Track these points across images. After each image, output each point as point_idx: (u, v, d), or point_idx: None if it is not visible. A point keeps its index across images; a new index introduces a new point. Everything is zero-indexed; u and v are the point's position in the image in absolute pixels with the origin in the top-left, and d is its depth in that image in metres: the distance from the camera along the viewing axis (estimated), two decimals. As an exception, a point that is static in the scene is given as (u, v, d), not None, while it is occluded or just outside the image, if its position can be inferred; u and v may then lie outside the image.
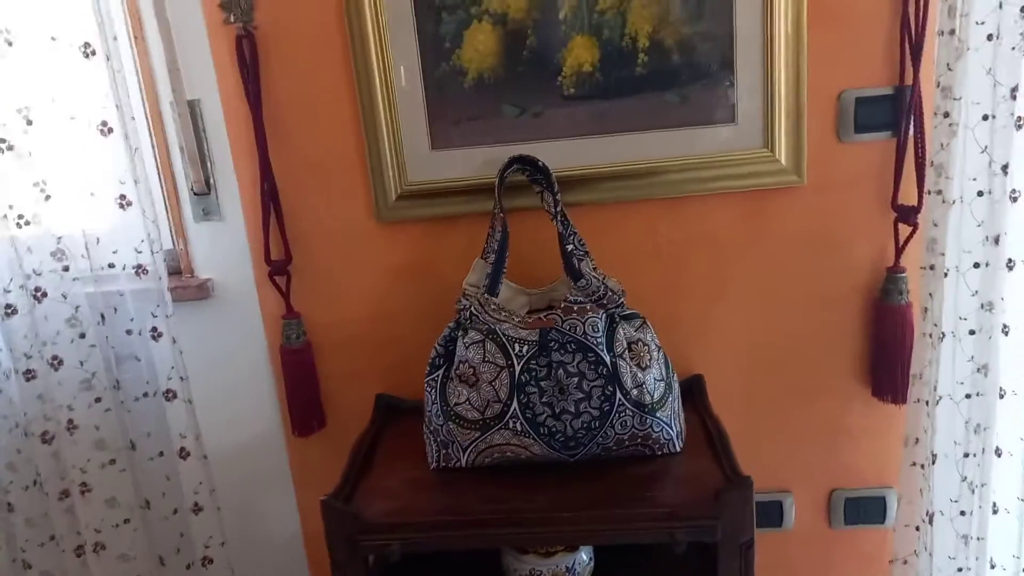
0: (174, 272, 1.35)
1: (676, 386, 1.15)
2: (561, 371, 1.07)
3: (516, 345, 1.08)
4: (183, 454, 1.25)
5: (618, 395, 1.07)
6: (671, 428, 1.11)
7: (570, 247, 1.11)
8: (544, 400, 1.08)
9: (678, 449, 1.13)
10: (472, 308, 1.12)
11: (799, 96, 1.19)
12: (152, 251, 1.19)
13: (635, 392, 1.08)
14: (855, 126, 1.21)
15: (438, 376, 1.14)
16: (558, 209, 1.14)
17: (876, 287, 1.29)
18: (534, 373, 1.08)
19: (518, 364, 1.08)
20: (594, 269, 1.19)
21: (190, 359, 1.31)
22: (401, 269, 1.32)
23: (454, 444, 1.12)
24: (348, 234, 1.30)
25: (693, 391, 1.31)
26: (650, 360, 1.11)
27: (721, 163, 1.23)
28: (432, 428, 1.14)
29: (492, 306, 1.11)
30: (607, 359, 1.07)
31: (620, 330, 1.10)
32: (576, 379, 1.07)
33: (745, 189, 1.24)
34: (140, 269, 1.19)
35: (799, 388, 1.35)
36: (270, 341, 1.36)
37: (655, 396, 1.09)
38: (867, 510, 1.39)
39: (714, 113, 1.22)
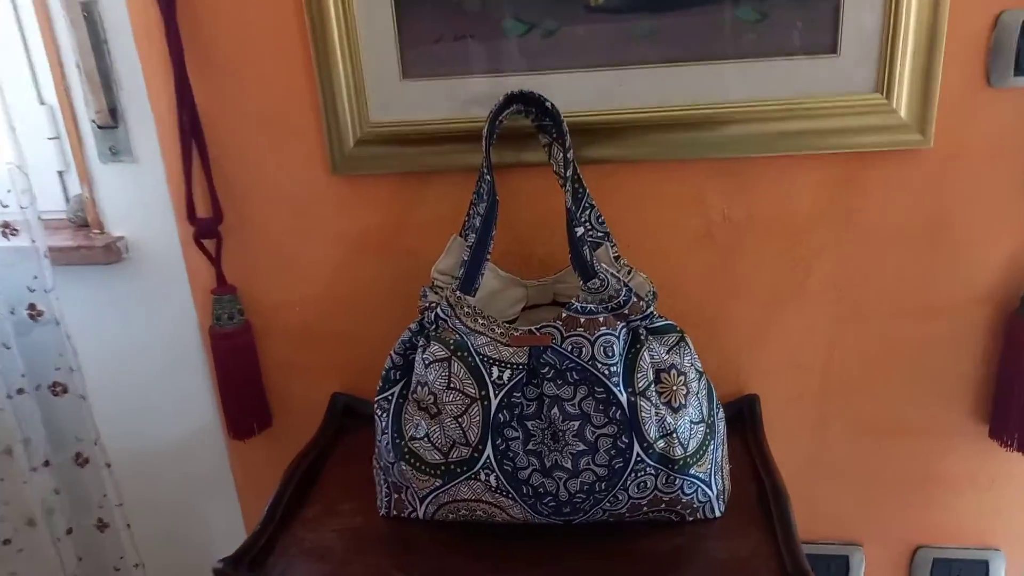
0: (82, 226, 1.06)
1: (721, 427, 0.83)
2: (556, 410, 0.76)
3: (494, 369, 0.77)
4: (80, 461, 0.99)
5: (636, 448, 0.75)
6: (710, 487, 0.80)
7: (581, 229, 0.77)
8: (530, 448, 0.77)
9: (718, 513, 0.82)
10: (440, 309, 0.80)
11: (936, 17, 0.81)
12: (21, 203, 0.89)
13: (661, 444, 0.76)
14: (1016, 64, 0.82)
15: (392, 395, 0.83)
16: (569, 172, 0.80)
17: (1012, 298, 0.92)
18: (518, 410, 0.77)
19: (495, 396, 0.76)
20: (615, 258, 0.85)
21: (96, 340, 1.04)
22: (363, 237, 1.00)
23: (409, 490, 0.82)
24: (296, 188, 0.98)
25: (743, 416, 0.99)
26: (686, 396, 0.78)
27: (810, 112, 0.86)
28: (382, 464, 0.84)
29: (465, 309, 0.79)
30: (623, 398, 0.75)
31: (645, 353, 0.77)
32: (577, 423, 0.75)
33: (842, 151, 0.88)
34: (7, 228, 0.90)
35: (887, 419, 1.01)
36: (202, 320, 1.06)
37: (689, 447, 0.77)
38: (963, 575, 1.07)
39: (806, 39, 0.84)
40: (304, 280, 1.03)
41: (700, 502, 0.80)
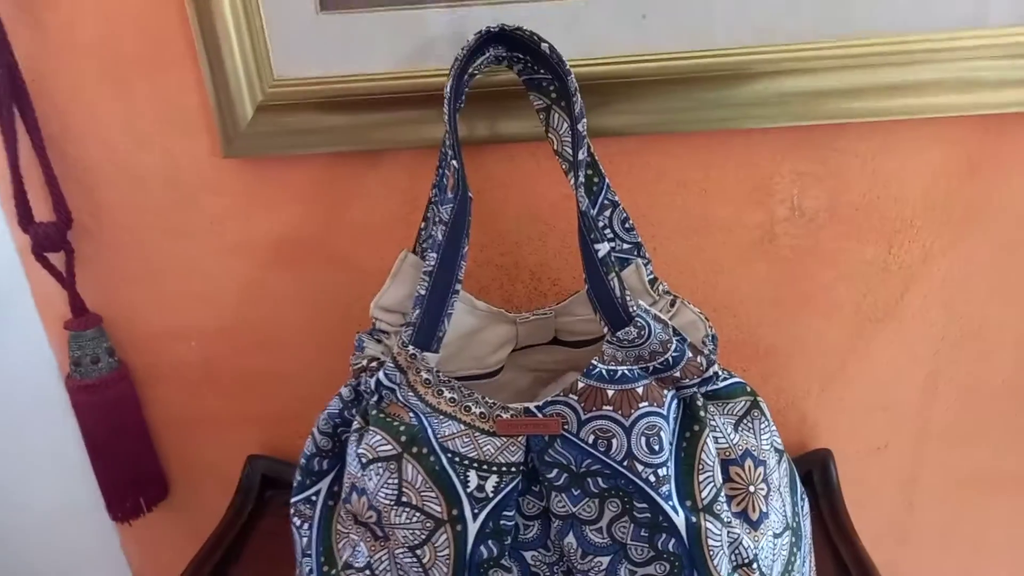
0: None
1: (807, 527, 0.56)
2: (572, 538, 0.48)
3: (471, 474, 0.48)
4: None
5: (699, 592, 0.47)
6: (794, 620, 0.53)
7: (605, 247, 0.48)
8: (532, 594, 0.49)
9: (802, 651, 0.55)
10: (384, 373, 0.51)
11: None
12: None
13: (735, 580, 0.48)
14: None
15: (317, 496, 0.55)
16: (581, 155, 0.51)
17: None
18: (509, 539, 0.48)
19: (473, 517, 0.48)
20: (650, 284, 0.56)
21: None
22: (276, 244, 0.70)
23: (348, 636, 0.54)
24: (173, 176, 0.68)
25: (811, 481, 0.72)
26: (767, 497, 0.50)
27: (926, 55, 0.58)
28: (308, 595, 0.56)
29: (423, 375, 0.50)
30: (679, 517, 0.47)
31: (709, 440, 0.49)
32: (607, 560, 0.47)
33: (969, 114, 0.60)
34: None
35: (1001, 473, 0.75)
36: (62, 362, 0.76)
37: (774, 574, 0.50)
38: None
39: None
40: (198, 303, 0.73)
41: (782, 642, 0.53)
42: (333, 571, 0.53)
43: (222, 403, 0.77)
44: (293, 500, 0.55)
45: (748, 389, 0.53)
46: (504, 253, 0.69)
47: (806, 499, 0.57)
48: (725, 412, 0.52)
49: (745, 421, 0.52)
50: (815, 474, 0.72)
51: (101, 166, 0.68)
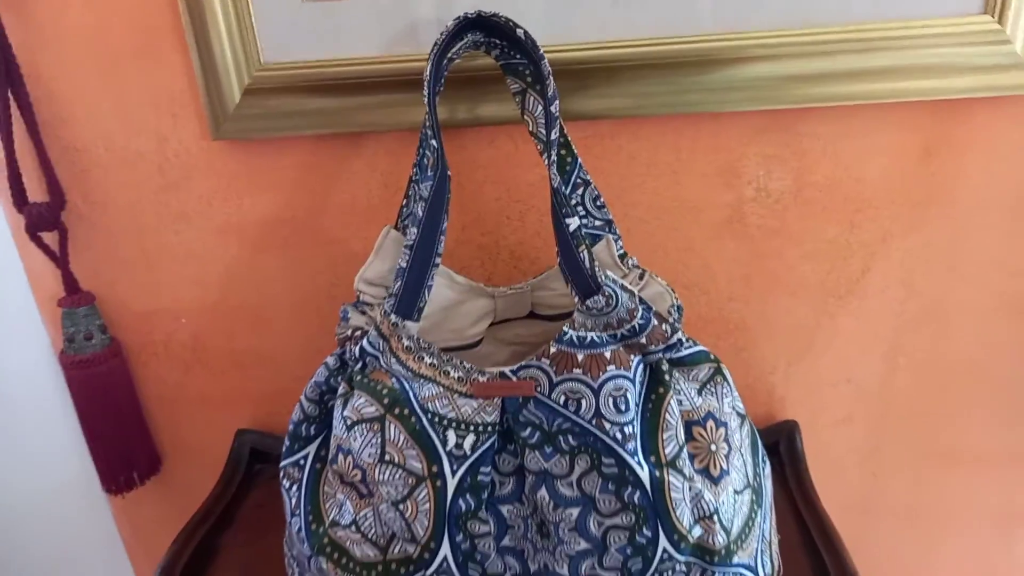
0: None
1: (768, 487, 0.59)
2: (544, 492, 0.51)
3: (451, 433, 0.51)
4: None
5: (662, 543, 0.51)
6: (756, 574, 0.56)
7: (576, 221, 0.51)
8: (507, 546, 0.52)
9: (765, 606, 0.59)
10: (367, 341, 0.54)
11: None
12: None
13: (697, 532, 0.52)
14: None
15: (305, 459, 0.58)
16: (554, 134, 0.54)
17: None
18: (487, 493, 0.51)
19: (452, 473, 0.51)
20: (620, 258, 0.59)
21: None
22: (264, 225, 0.73)
23: (334, 592, 0.57)
24: (163, 159, 0.70)
25: (778, 451, 0.76)
26: (728, 457, 0.54)
27: (888, 42, 0.61)
28: (295, 555, 0.59)
29: (404, 342, 0.53)
30: (644, 472, 0.50)
31: (673, 401, 0.52)
32: (576, 511, 0.51)
33: (927, 98, 0.63)
34: None
35: (961, 446, 0.79)
36: (56, 340, 0.79)
37: (733, 528, 0.53)
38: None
39: (888, -67, 0.59)
40: (188, 283, 0.75)
41: (744, 596, 0.56)
42: (320, 529, 0.56)
43: (212, 380, 0.80)
44: (282, 464, 0.58)
45: (712, 357, 0.56)
46: (485, 233, 0.72)
47: (767, 462, 0.60)
48: (690, 378, 0.55)
49: (708, 386, 0.55)
50: (782, 445, 0.75)
51: (93, 149, 0.70)
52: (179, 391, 0.80)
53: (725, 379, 0.56)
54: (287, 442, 0.58)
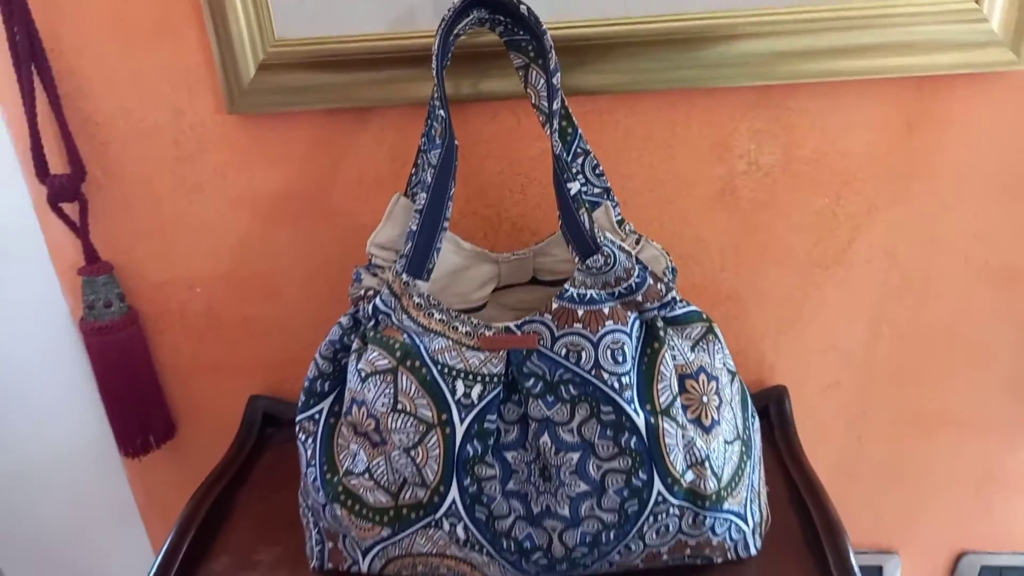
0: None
1: (757, 441, 0.63)
2: (547, 438, 0.54)
3: (459, 383, 0.55)
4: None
5: (657, 486, 0.54)
6: (745, 521, 0.60)
7: (576, 185, 0.55)
8: (512, 490, 0.56)
9: (753, 551, 0.62)
10: (380, 299, 0.57)
11: None
12: None
13: (689, 477, 0.55)
14: None
15: (320, 414, 0.61)
16: (555, 105, 0.57)
17: (1109, 258, 0.74)
18: (493, 439, 0.55)
19: (461, 421, 0.54)
20: (619, 223, 0.63)
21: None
22: (277, 197, 0.76)
23: (347, 538, 0.61)
24: (180, 132, 0.73)
25: (768, 415, 0.79)
26: (719, 409, 0.57)
27: (869, 21, 0.65)
28: (310, 504, 0.62)
29: (415, 299, 0.56)
30: (640, 419, 0.54)
31: (667, 355, 0.55)
32: (576, 456, 0.54)
33: (909, 75, 0.66)
34: None
35: (940, 411, 0.83)
36: (74, 308, 0.82)
37: (724, 476, 0.57)
38: (1014, 586, 0.91)
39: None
40: (203, 253, 0.78)
41: (732, 540, 0.60)
42: (335, 478, 0.59)
43: (225, 348, 0.83)
44: (298, 418, 0.61)
45: (704, 316, 0.60)
46: (488, 205, 0.75)
47: (756, 418, 0.64)
48: (683, 336, 0.59)
49: (701, 344, 0.59)
50: (771, 409, 0.79)
51: (113, 123, 0.73)
52: (193, 359, 0.84)
53: (717, 337, 0.60)
54: (302, 398, 0.62)
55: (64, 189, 0.74)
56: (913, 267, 0.75)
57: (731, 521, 0.59)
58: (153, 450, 0.85)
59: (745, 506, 0.60)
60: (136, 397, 0.82)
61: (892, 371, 0.80)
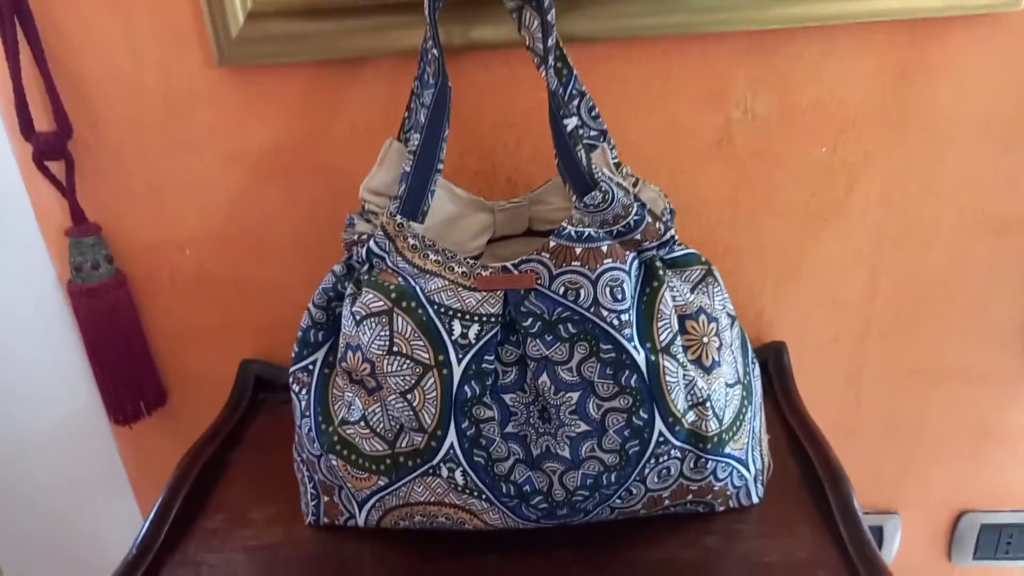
0: None
1: (758, 387, 0.62)
2: (546, 378, 0.53)
3: (456, 324, 0.54)
4: None
5: (658, 425, 0.53)
6: (747, 468, 0.59)
7: (573, 120, 0.54)
8: (510, 432, 0.55)
9: (755, 500, 0.62)
10: (373, 242, 0.56)
11: None
12: None
13: (691, 417, 0.54)
14: None
15: (314, 364, 0.60)
16: (550, 42, 0.56)
17: (1106, 205, 0.73)
18: (491, 380, 0.54)
19: (458, 362, 0.53)
20: (616, 166, 0.62)
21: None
22: (268, 153, 0.74)
23: (343, 491, 0.60)
24: (167, 87, 0.72)
25: (767, 370, 0.79)
26: (719, 351, 0.57)
27: (867, -39, 0.64)
28: (305, 457, 0.61)
29: (410, 240, 0.55)
30: (640, 356, 0.53)
31: (666, 294, 0.55)
32: (576, 395, 0.53)
33: (903, 18, 0.66)
34: None
35: (938, 365, 0.82)
36: (61, 271, 0.80)
37: (725, 418, 0.56)
38: (1017, 542, 0.91)
39: None
40: (193, 213, 0.77)
41: (735, 487, 0.60)
42: (330, 428, 0.58)
43: (216, 312, 0.82)
44: (292, 369, 0.60)
45: (703, 259, 0.59)
46: (482, 158, 0.74)
47: (756, 364, 0.63)
48: (683, 278, 0.58)
49: (700, 286, 0.58)
50: (770, 362, 0.78)
51: (99, 80, 0.72)
52: (184, 323, 0.82)
53: (716, 280, 0.59)
54: (296, 348, 0.61)
55: (50, 146, 0.73)
56: (910, 217, 0.75)
57: (733, 467, 0.58)
58: (144, 417, 0.84)
59: (747, 452, 0.59)
60: (126, 362, 0.81)
61: (890, 324, 0.80)
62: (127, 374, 0.82)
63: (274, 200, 0.76)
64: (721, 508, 0.62)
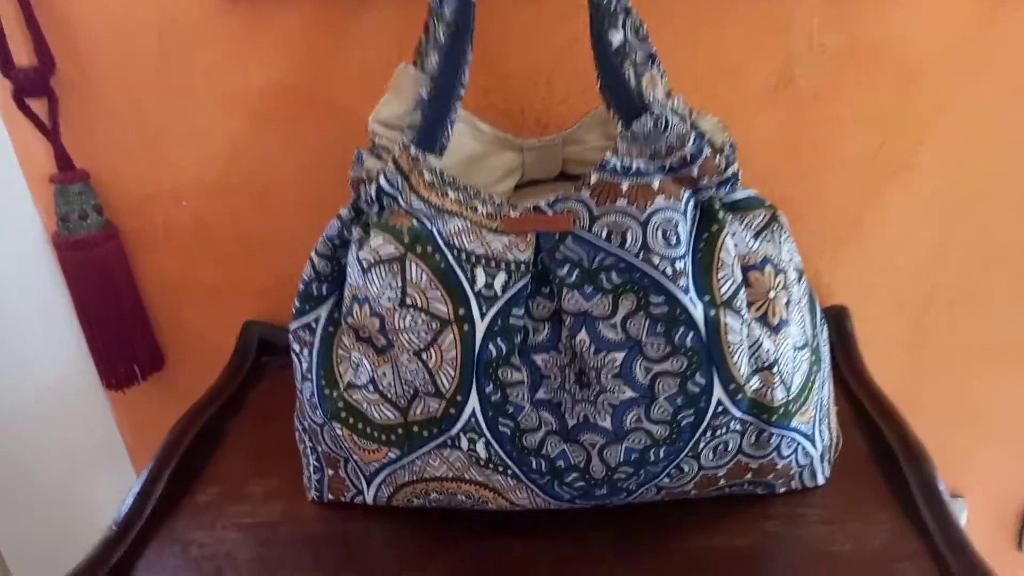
0: None
1: (826, 352, 0.54)
2: (584, 336, 0.46)
3: (479, 271, 0.46)
4: None
5: (717, 393, 0.46)
6: (814, 444, 0.51)
7: (620, 35, 0.46)
8: (542, 399, 0.47)
9: (821, 480, 0.54)
10: (384, 178, 0.48)
11: None
12: None
13: (755, 384, 0.47)
14: None
15: (316, 321, 0.53)
16: (592, -54, 0.48)
17: None
18: (520, 338, 0.46)
19: (481, 316, 0.46)
20: (668, 94, 0.54)
21: None
22: (271, 93, 0.67)
23: (349, 463, 0.53)
24: (161, 22, 0.64)
25: (828, 337, 0.70)
26: (787, 307, 0.48)
27: None
28: (307, 426, 0.54)
29: (426, 176, 0.48)
30: (697, 310, 0.45)
31: (728, 239, 0.47)
32: (620, 356, 0.45)
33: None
34: None
35: (1008, 339, 0.74)
36: (47, 221, 0.74)
37: (792, 385, 0.48)
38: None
39: None
40: (190, 161, 0.70)
41: (799, 466, 0.52)
42: (335, 393, 0.51)
43: (216, 268, 0.75)
44: (292, 326, 0.53)
45: (767, 203, 0.51)
46: (508, 99, 0.66)
47: (826, 325, 0.55)
48: (744, 224, 0.50)
49: (765, 233, 0.50)
50: (831, 329, 0.70)
51: (83, 10, 0.64)
52: (181, 281, 0.76)
53: (782, 228, 0.51)
54: (296, 303, 0.54)
55: (31, 82, 0.66)
56: (982, 176, 0.66)
57: (798, 442, 0.50)
58: (139, 382, 0.78)
59: (814, 426, 0.51)
60: (118, 322, 0.75)
61: (955, 294, 0.71)
62: (119, 334, 0.75)
63: (278, 146, 0.69)
64: (782, 489, 0.54)
